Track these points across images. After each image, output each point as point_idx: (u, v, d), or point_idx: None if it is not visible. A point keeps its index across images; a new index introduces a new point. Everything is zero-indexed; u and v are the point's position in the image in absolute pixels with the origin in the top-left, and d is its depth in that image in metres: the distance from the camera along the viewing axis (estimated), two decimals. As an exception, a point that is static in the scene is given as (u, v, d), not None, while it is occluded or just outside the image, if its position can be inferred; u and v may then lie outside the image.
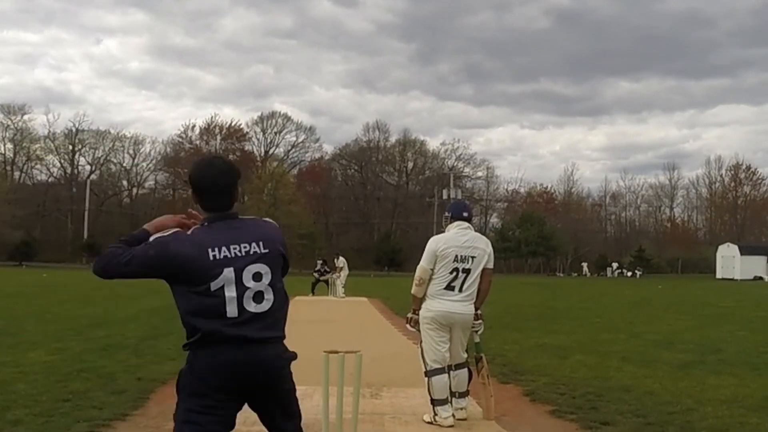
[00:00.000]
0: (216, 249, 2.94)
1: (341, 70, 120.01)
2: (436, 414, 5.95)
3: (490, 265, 6.15)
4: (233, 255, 2.95)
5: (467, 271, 5.97)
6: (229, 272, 2.92)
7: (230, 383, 2.99)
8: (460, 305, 5.96)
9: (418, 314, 6.12)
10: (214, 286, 2.90)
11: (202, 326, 2.91)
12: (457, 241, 6.03)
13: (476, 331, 6.23)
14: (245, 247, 2.99)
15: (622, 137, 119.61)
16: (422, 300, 6.10)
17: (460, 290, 5.96)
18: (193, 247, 2.94)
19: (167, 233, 3.07)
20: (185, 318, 2.97)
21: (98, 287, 25.53)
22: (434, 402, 5.96)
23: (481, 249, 6.07)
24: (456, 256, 5.95)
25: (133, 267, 3.01)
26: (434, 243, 6.09)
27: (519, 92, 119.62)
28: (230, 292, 2.91)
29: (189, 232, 3.04)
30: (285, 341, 3.12)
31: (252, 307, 2.95)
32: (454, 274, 5.94)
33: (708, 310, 21.06)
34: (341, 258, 27.77)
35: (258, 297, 2.98)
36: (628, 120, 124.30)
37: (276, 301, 3.03)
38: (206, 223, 3.06)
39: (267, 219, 3.37)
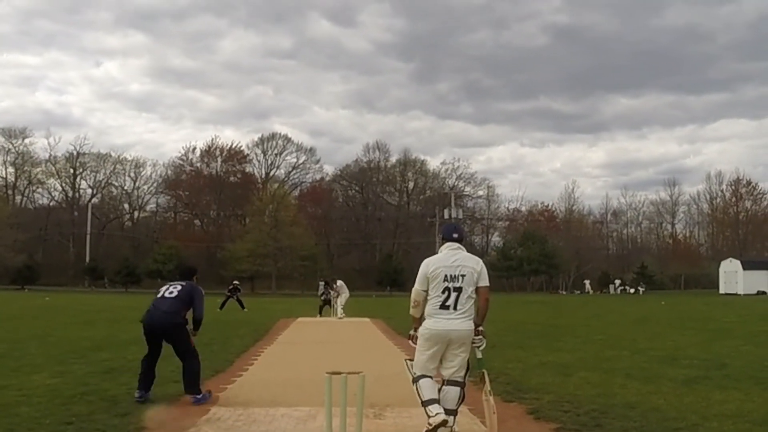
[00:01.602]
0: (170, 283, 8.38)
1: (341, 91, 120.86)
2: (428, 414, 6.03)
3: (484, 283, 6.27)
4: (173, 283, 8.31)
5: (459, 290, 6.12)
6: (165, 288, 8.26)
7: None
8: (456, 323, 6.09)
9: (417, 332, 6.31)
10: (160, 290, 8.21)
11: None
12: (446, 261, 6.22)
13: (478, 347, 6.30)
14: (177, 283, 8.24)
15: (623, 154, 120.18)
16: (421, 319, 6.27)
17: (455, 308, 6.11)
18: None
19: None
20: None
21: (100, 310, 25.53)
22: (424, 403, 6.09)
23: (471, 267, 6.22)
24: (446, 275, 6.14)
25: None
26: (425, 266, 6.30)
27: (519, 110, 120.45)
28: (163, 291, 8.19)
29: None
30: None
31: (167, 294, 8.06)
32: (446, 293, 6.12)
33: (712, 325, 20.99)
34: (339, 282, 27.82)
35: (170, 292, 8.06)
36: (628, 136, 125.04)
37: (186, 297, 8.05)
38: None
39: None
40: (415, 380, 6.23)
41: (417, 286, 6.26)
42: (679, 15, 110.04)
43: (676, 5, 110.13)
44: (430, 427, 6.03)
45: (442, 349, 6.16)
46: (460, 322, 6.09)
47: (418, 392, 6.18)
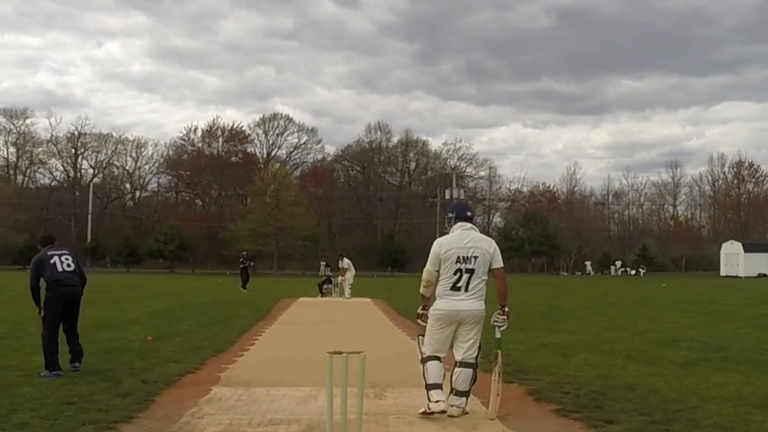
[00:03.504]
0: (53, 252, 8.41)
1: (343, 71, 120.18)
2: (429, 398, 6.13)
3: (498, 264, 6.25)
4: (58, 253, 8.37)
5: (471, 271, 6.10)
6: (56, 258, 8.28)
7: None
8: (467, 303, 6.11)
9: (427, 310, 6.32)
10: (53, 262, 8.24)
11: (50, 277, 8.16)
12: (458, 242, 6.17)
13: (499, 327, 6.28)
14: (64, 252, 8.47)
15: (626, 135, 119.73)
16: (431, 299, 6.29)
17: (466, 290, 6.11)
18: (44, 255, 8.31)
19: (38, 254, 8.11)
20: (47, 279, 8.14)
21: (102, 290, 25.58)
22: (428, 386, 6.17)
23: (484, 249, 6.18)
24: (458, 257, 6.10)
25: (32, 276, 8.30)
26: (438, 246, 6.25)
27: (521, 91, 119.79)
28: (58, 263, 8.22)
29: (43, 252, 8.39)
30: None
31: (66, 267, 8.25)
32: (458, 275, 6.10)
33: (712, 307, 21.05)
34: (345, 259, 27.74)
35: (68, 265, 8.28)
36: (632, 118, 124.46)
37: (78, 267, 8.42)
38: (48, 248, 8.48)
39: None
40: (424, 361, 6.24)
41: (429, 266, 6.23)
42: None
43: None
44: (428, 411, 6.12)
45: (453, 330, 6.16)
46: (470, 302, 6.10)
47: (424, 373, 6.21)
